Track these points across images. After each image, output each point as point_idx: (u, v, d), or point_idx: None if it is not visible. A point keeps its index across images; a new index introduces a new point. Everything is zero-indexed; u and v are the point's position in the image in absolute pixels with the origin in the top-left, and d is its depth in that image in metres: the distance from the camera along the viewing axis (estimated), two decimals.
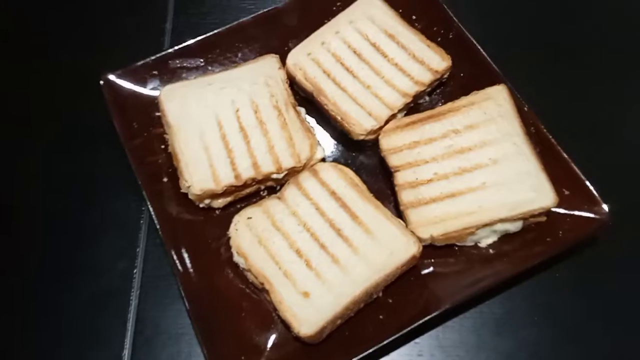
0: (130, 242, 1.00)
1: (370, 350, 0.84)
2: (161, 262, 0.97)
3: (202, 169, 0.96)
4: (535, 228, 0.94)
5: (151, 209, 0.95)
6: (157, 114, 1.05)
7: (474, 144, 0.98)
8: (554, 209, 0.92)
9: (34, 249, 1.00)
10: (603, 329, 0.92)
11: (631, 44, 1.21)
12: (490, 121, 0.99)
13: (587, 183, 0.94)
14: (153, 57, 1.09)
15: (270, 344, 0.86)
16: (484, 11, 1.24)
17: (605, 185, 0.94)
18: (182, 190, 0.96)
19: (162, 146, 1.03)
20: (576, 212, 0.93)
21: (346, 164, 1.02)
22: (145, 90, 1.08)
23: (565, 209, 0.93)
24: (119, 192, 1.04)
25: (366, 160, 1.05)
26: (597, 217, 0.92)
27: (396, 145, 1.00)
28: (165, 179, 1.00)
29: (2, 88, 1.18)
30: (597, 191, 0.93)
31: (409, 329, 0.85)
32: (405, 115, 1.06)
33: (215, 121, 1.01)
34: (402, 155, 0.99)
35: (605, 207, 0.92)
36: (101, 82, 1.05)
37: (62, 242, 1.00)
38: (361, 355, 0.83)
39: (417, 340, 0.92)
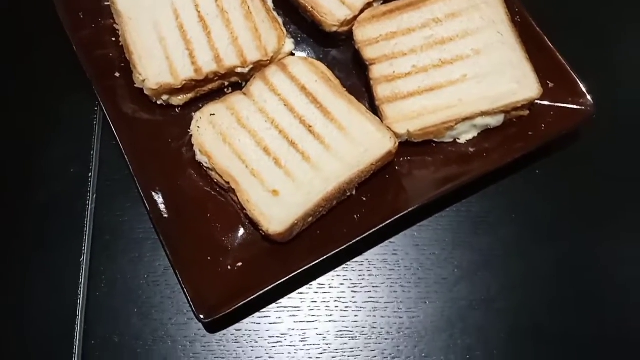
0: (83, 144, 0.92)
1: (342, 248, 0.80)
2: (118, 165, 0.90)
3: (158, 61, 0.88)
4: (517, 123, 0.90)
5: (104, 107, 0.87)
6: (106, 3, 0.94)
7: (455, 33, 0.91)
8: (537, 102, 0.87)
9: None
10: (582, 226, 0.90)
11: None
12: (473, 8, 0.91)
13: (573, 74, 0.89)
14: None
15: (237, 244, 0.82)
16: None
17: (591, 78, 0.89)
18: (136, 86, 0.88)
19: (113, 39, 0.93)
20: (560, 104, 0.88)
21: (318, 60, 0.94)
22: None
23: (549, 101, 0.88)
24: (68, 91, 0.95)
25: (339, 55, 0.97)
26: (581, 108, 0.87)
27: (372, 37, 0.92)
28: (117, 74, 0.91)
29: None
30: (582, 83, 0.88)
31: (382, 225, 0.81)
32: (382, 4, 0.97)
33: (171, 9, 0.91)
34: (378, 47, 0.92)
35: (590, 98, 0.87)
36: None
37: (10, 148, 0.93)
38: (332, 253, 0.80)
39: (391, 239, 0.89)
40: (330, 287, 0.86)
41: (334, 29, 0.94)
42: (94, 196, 0.89)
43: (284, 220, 0.78)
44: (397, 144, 0.84)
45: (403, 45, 0.91)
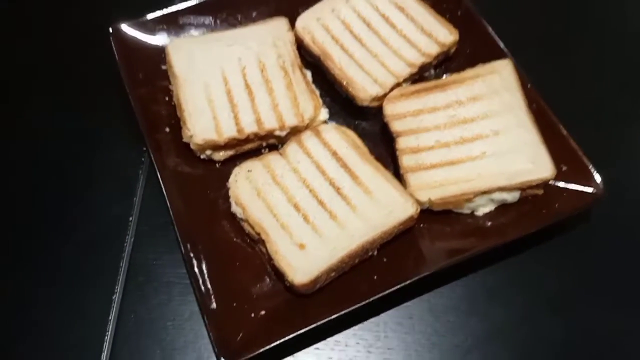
0: (127, 191, 1.00)
1: (360, 305, 0.84)
2: (157, 212, 0.96)
3: (206, 119, 0.97)
4: (532, 201, 0.95)
5: (152, 157, 0.95)
6: (163, 67, 1.05)
7: (476, 115, 0.99)
8: (551, 182, 0.93)
9: (31, 191, 1.00)
10: (592, 301, 0.93)
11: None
12: (493, 93, 1.00)
13: (585, 159, 0.95)
14: (163, 11, 1.09)
15: (262, 293, 0.86)
16: None
17: (603, 162, 0.95)
18: (184, 140, 0.97)
19: (166, 98, 1.03)
20: (572, 186, 0.94)
21: (349, 129, 1.02)
22: (153, 43, 1.08)
23: (562, 182, 0.94)
24: (119, 143, 1.04)
25: (368, 126, 1.06)
26: (592, 191, 0.93)
27: (400, 112, 1.01)
28: (167, 129, 1.00)
29: (11, 35, 1.19)
30: (593, 168, 0.94)
31: (399, 286, 0.85)
32: (411, 84, 1.06)
33: (221, 76, 1.02)
34: (405, 122, 1.00)
35: (600, 182, 0.93)
36: (110, 30, 1.05)
37: (60, 187, 1.00)
38: (351, 309, 0.83)
39: (408, 303, 0.92)
40: (346, 345, 0.89)
41: (366, 103, 1.03)
42: (132, 239, 0.95)
43: (308, 272, 0.83)
44: (419, 210, 0.90)
45: (428, 121, 0.99)
